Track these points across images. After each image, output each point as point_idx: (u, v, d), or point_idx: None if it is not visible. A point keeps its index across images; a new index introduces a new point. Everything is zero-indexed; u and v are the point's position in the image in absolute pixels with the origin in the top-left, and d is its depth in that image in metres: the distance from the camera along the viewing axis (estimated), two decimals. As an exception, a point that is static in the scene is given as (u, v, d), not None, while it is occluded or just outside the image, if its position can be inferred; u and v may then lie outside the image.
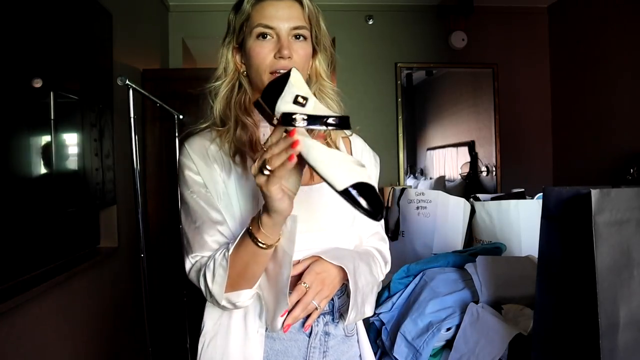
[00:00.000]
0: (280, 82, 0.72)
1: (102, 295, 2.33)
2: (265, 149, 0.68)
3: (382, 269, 1.01)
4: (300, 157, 0.67)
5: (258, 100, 0.74)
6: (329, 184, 0.65)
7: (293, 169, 0.69)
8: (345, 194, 0.64)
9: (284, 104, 0.69)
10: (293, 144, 0.65)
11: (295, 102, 0.68)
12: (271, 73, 0.87)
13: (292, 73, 0.72)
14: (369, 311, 0.92)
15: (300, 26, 0.88)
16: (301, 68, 0.90)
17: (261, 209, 0.75)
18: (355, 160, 0.69)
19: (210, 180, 0.88)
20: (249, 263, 0.79)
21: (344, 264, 0.86)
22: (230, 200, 0.88)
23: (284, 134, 0.66)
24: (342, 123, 0.66)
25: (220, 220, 0.87)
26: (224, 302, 0.82)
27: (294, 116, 0.64)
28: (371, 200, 0.64)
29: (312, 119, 0.65)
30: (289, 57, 0.86)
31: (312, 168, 0.67)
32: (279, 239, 0.77)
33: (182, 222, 0.90)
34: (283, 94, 0.70)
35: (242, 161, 0.89)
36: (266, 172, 0.67)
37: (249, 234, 0.76)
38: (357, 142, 1.04)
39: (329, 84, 0.97)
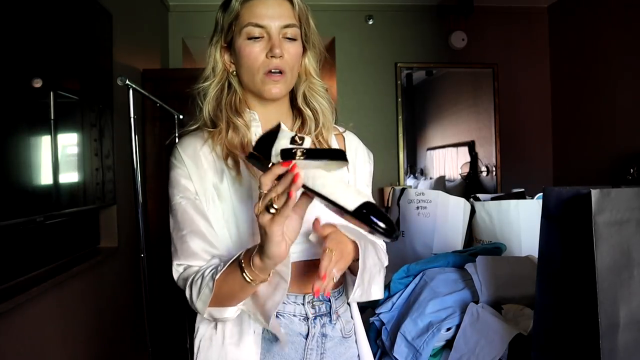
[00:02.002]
0: (271, 133, 0.70)
1: (102, 295, 2.33)
2: (263, 190, 0.67)
3: (385, 255, 0.99)
4: (303, 195, 0.68)
5: (251, 152, 0.71)
6: (339, 207, 0.65)
7: (295, 214, 0.69)
8: (357, 213, 0.64)
9: (281, 146, 0.67)
10: (294, 179, 0.64)
11: (293, 142, 0.67)
12: (265, 74, 0.87)
13: (281, 125, 0.71)
14: (376, 292, 0.91)
15: (291, 24, 0.87)
16: (292, 67, 0.89)
17: (257, 247, 0.73)
18: (357, 189, 0.70)
19: (201, 186, 0.87)
20: (237, 292, 0.78)
21: (357, 239, 0.84)
22: (223, 204, 0.87)
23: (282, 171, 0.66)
24: (340, 155, 0.67)
25: (208, 228, 0.86)
26: (206, 316, 0.82)
27: (293, 150, 0.65)
28: (384, 219, 0.64)
29: (311, 153, 0.66)
30: (281, 56, 0.86)
31: (318, 196, 0.66)
32: (268, 276, 0.76)
33: (170, 226, 0.89)
34: (277, 138, 0.68)
35: (234, 164, 0.88)
36: (272, 211, 0.66)
37: (240, 266, 0.75)
38: (351, 138, 1.03)
39: (319, 82, 0.96)
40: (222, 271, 0.76)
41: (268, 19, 0.86)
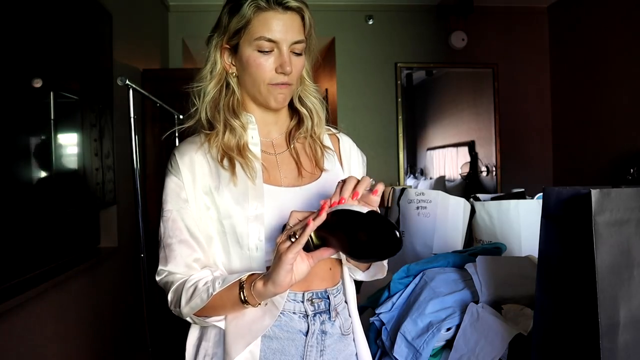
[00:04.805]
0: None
1: (102, 295, 2.33)
2: (290, 223, 0.76)
3: None
4: (322, 249, 0.75)
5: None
6: (354, 212, 0.71)
7: (308, 259, 0.75)
8: (371, 214, 0.71)
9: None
10: (319, 213, 0.73)
11: None
12: (269, 84, 0.88)
13: None
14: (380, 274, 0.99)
15: (300, 40, 0.88)
16: (297, 79, 0.92)
17: (263, 274, 0.78)
18: None
19: (194, 194, 0.89)
20: (226, 307, 0.83)
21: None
22: (219, 207, 0.88)
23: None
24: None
25: (196, 239, 0.88)
26: (187, 319, 0.86)
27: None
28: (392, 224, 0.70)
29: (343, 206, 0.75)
30: (290, 72, 0.88)
31: (335, 216, 0.72)
32: (259, 304, 0.80)
33: (160, 231, 0.90)
34: None
35: (230, 166, 0.89)
36: (292, 240, 0.74)
37: (239, 285, 0.79)
38: (345, 140, 1.05)
39: (311, 84, 0.99)
40: (220, 289, 0.80)
41: (281, 35, 0.86)
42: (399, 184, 3.96)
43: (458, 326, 1.30)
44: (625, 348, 0.79)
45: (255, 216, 0.87)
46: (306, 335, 0.90)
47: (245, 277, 0.80)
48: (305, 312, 0.90)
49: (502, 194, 2.33)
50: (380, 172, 3.94)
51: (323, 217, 0.72)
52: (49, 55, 1.81)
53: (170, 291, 0.86)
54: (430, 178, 4.20)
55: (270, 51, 0.87)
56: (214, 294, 0.80)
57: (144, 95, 2.14)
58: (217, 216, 0.89)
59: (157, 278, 0.90)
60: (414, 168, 4.20)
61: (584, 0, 3.67)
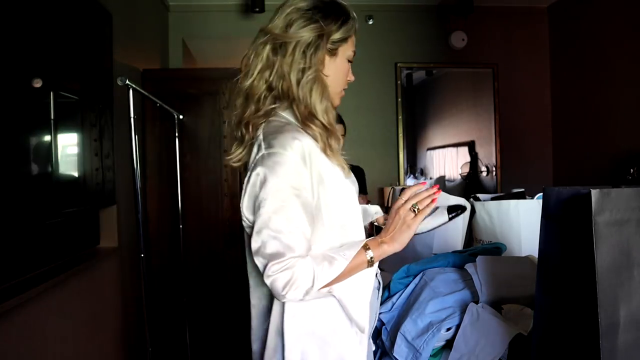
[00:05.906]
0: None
1: (102, 295, 2.33)
2: (405, 197, 1.00)
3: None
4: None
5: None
6: (452, 207, 1.13)
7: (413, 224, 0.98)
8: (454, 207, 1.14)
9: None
10: (437, 192, 1.00)
11: None
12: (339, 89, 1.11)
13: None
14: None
15: None
16: None
17: (380, 239, 0.99)
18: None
19: (309, 185, 0.96)
20: (352, 271, 0.96)
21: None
22: (320, 201, 0.98)
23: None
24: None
25: (310, 225, 0.96)
26: (309, 295, 0.92)
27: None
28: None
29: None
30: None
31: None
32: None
33: (271, 214, 0.91)
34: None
35: (334, 159, 1.02)
36: (415, 210, 0.97)
37: (365, 249, 0.96)
38: None
39: None
40: (353, 257, 0.95)
41: None
42: (399, 184, 3.96)
43: (458, 326, 1.30)
44: (625, 348, 0.79)
45: (355, 206, 1.04)
46: (379, 290, 1.14)
47: (367, 241, 0.97)
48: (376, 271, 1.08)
49: (502, 194, 2.33)
50: (380, 172, 3.94)
51: (438, 194, 0.98)
52: (49, 55, 1.81)
53: (297, 272, 0.89)
54: (430, 178, 4.20)
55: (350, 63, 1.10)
56: (350, 260, 0.93)
57: (144, 95, 2.15)
58: (324, 203, 0.98)
59: (273, 268, 0.89)
60: (414, 168, 4.20)
61: (584, 0, 3.67)
